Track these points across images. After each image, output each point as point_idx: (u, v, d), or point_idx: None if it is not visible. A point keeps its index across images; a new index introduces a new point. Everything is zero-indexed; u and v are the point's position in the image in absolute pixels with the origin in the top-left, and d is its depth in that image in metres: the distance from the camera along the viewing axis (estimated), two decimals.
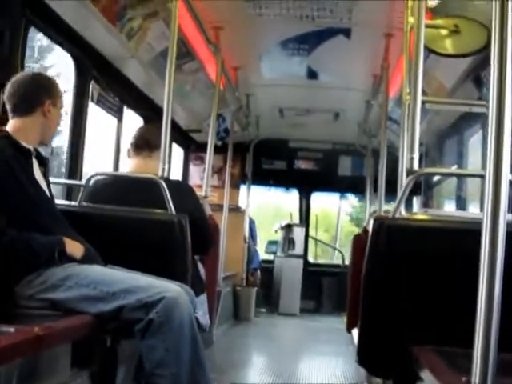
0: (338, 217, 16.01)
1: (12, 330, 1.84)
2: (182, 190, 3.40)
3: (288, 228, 9.27)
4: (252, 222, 9.03)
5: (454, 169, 6.17)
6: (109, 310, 2.41)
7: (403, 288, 2.49)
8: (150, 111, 5.67)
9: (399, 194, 2.66)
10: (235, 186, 8.93)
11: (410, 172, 2.47)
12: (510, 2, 1.24)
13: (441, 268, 2.43)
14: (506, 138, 1.14)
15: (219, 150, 7.38)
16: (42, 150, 2.81)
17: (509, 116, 1.15)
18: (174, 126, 7.21)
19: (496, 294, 1.15)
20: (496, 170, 1.13)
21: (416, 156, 2.40)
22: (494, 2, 1.25)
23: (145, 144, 3.44)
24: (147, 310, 2.38)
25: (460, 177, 5.87)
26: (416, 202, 8.51)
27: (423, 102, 2.41)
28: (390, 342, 2.50)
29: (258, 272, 8.92)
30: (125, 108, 5.52)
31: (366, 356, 2.63)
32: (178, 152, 8.41)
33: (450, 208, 7.07)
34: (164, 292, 2.42)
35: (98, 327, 2.45)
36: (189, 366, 2.40)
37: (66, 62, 4.32)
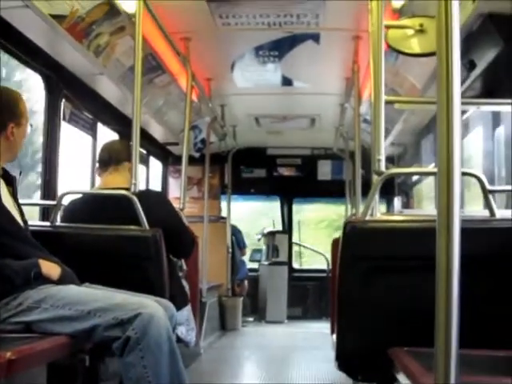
0: None
1: None
2: (149, 197, 3.38)
3: (271, 235, 9.26)
4: (238, 232, 8.97)
5: (429, 168, 6.18)
6: (84, 329, 2.37)
7: (376, 290, 2.47)
8: (125, 126, 5.63)
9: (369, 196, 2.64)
10: (215, 197, 8.92)
11: (377, 173, 2.47)
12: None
13: (412, 268, 2.42)
14: (457, 133, 1.14)
15: (198, 161, 7.37)
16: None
17: (458, 111, 1.15)
18: (151, 139, 7.19)
19: (454, 292, 1.14)
20: (447, 165, 1.12)
21: (382, 157, 2.40)
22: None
23: (109, 159, 3.48)
24: (124, 328, 2.35)
25: (421, 175, 5.92)
26: (397, 202, 8.53)
27: (387, 102, 2.41)
28: (367, 345, 2.49)
29: (246, 282, 8.87)
30: (100, 125, 5.52)
31: (344, 360, 2.61)
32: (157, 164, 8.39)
33: (430, 207, 7.09)
34: (140, 308, 2.39)
35: (75, 348, 2.42)
36: (168, 382, 2.37)
37: None
